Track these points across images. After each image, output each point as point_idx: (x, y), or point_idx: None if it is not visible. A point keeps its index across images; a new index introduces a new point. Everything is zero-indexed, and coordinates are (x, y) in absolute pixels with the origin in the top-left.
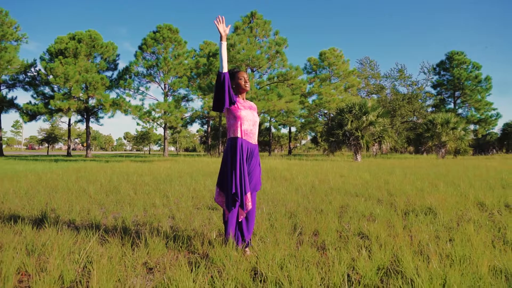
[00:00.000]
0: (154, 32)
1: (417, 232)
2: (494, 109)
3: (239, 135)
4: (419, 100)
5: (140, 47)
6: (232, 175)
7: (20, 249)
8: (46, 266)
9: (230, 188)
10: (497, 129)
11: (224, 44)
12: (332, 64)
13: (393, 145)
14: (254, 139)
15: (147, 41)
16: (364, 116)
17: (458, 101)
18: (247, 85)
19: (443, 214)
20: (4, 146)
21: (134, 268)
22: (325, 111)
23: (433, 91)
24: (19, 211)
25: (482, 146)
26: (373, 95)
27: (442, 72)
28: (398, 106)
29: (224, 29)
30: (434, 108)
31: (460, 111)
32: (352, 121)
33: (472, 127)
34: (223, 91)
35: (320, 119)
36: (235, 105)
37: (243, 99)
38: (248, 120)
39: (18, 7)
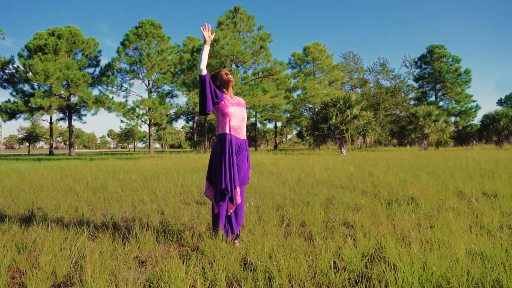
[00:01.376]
0: (136, 28)
1: (399, 220)
2: (473, 101)
3: (227, 131)
4: (402, 94)
5: (122, 43)
6: (221, 171)
7: (10, 247)
8: (38, 262)
9: (219, 183)
10: (477, 120)
11: (207, 48)
12: (316, 59)
13: (377, 138)
14: (242, 135)
15: (129, 37)
16: (348, 110)
17: (439, 93)
18: (229, 76)
19: (424, 203)
20: None
21: (126, 262)
22: (310, 106)
23: (415, 84)
24: (5, 210)
25: (462, 137)
26: (357, 89)
27: (423, 66)
28: (382, 99)
29: (209, 35)
30: (416, 101)
31: (441, 103)
32: (336, 115)
33: (453, 119)
34: (205, 93)
35: (305, 113)
36: (223, 102)
37: (230, 95)
38: (236, 116)
39: None
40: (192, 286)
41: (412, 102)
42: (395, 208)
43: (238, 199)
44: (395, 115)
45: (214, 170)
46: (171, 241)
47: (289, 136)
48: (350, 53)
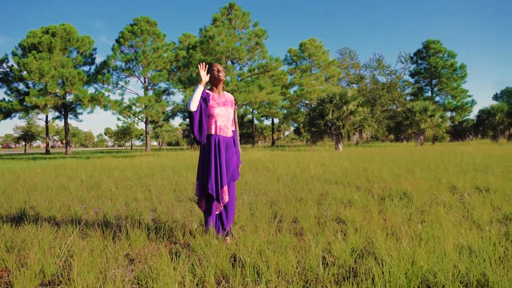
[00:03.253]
0: (131, 25)
1: (391, 215)
2: (469, 96)
3: (213, 132)
4: (398, 89)
5: (117, 41)
6: (207, 171)
7: None
8: (27, 261)
9: (204, 183)
10: (473, 115)
11: (201, 88)
12: (312, 55)
13: (374, 134)
14: (229, 132)
15: (124, 34)
16: (344, 106)
17: (435, 89)
18: (220, 74)
19: (417, 198)
20: None
21: (116, 260)
22: (307, 102)
23: (411, 80)
24: None
25: (459, 132)
26: (354, 85)
27: (419, 61)
28: (378, 95)
29: (205, 75)
30: (412, 97)
31: (437, 98)
32: (333, 111)
33: (449, 114)
34: (196, 127)
35: (302, 110)
36: (209, 104)
37: (219, 93)
38: (222, 117)
39: None
40: (181, 282)
41: (408, 98)
42: (388, 203)
43: (226, 198)
44: (391, 110)
45: (200, 170)
46: (162, 238)
47: (286, 133)
48: (346, 49)
